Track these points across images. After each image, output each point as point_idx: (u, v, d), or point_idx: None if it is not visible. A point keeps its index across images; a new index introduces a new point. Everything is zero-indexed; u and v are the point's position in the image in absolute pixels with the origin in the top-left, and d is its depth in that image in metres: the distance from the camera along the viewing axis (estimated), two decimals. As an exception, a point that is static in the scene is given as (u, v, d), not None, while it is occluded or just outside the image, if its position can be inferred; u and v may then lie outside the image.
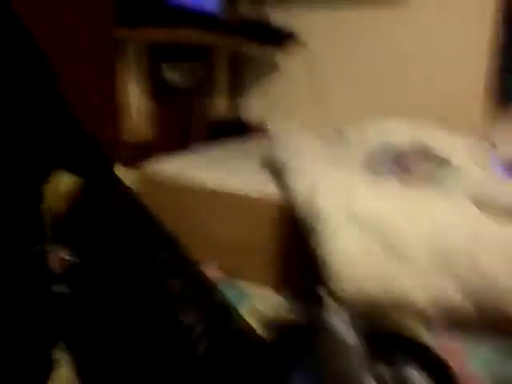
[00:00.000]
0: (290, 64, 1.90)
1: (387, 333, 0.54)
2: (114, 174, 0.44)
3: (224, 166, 1.33)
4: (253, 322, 0.57)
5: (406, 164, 1.09)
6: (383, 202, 0.97)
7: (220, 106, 1.88)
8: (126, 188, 0.45)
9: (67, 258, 0.35)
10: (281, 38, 1.73)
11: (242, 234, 1.19)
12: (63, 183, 0.37)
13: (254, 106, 2.00)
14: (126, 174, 0.48)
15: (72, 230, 0.36)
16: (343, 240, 0.97)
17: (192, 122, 1.70)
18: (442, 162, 1.06)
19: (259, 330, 0.54)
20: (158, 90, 1.52)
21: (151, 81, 1.48)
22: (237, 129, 1.85)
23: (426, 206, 0.94)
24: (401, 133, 1.20)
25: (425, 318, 0.89)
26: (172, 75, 1.52)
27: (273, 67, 1.95)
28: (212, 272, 0.74)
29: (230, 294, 0.65)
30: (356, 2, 1.74)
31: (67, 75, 1.20)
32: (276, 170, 1.20)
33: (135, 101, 1.43)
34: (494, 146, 1.30)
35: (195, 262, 0.48)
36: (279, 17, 1.79)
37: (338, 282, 0.98)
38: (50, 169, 0.37)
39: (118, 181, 0.44)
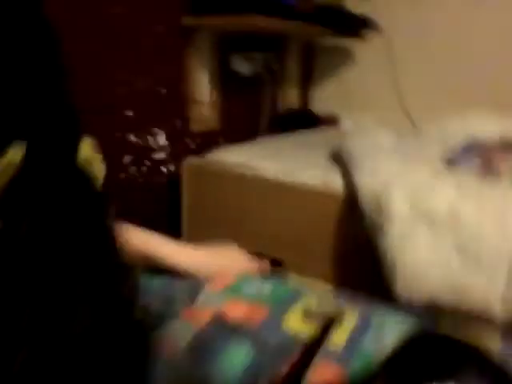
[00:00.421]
0: (366, 53, 1.81)
1: (455, 344, 0.48)
2: (73, 151, 0.40)
3: (289, 157, 1.28)
4: (303, 321, 0.54)
5: (492, 161, 0.98)
6: (463, 204, 0.88)
7: (290, 96, 1.83)
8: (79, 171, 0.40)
9: None
10: (357, 26, 1.64)
11: (303, 227, 1.15)
12: (15, 156, 0.34)
13: (326, 97, 1.93)
14: (94, 153, 0.43)
15: (5, 201, 0.34)
16: (415, 243, 0.89)
17: (260, 113, 1.67)
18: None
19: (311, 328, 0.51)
20: (227, 79, 1.50)
21: (220, 70, 1.47)
22: (307, 120, 1.79)
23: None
24: (488, 127, 1.08)
25: (501, 331, 0.80)
26: (241, 65, 1.50)
27: (348, 56, 1.87)
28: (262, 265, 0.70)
29: (282, 291, 0.61)
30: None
31: (137, 63, 1.23)
32: (344, 164, 1.13)
33: (204, 90, 1.43)
34: None
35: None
36: (356, 3, 1.70)
37: (406, 287, 0.91)
38: (9, 140, 0.34)
39: (68, 159, 0.39)
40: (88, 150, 0.41)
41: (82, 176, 0.40)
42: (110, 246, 0.40)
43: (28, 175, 0.35)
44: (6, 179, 0.34)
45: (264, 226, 1.22)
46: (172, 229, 1.40)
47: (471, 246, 0.86)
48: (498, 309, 0.84)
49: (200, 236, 1.34)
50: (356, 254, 1.07)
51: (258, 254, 1.22)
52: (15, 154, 0.34)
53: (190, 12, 1.28)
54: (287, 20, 1.30)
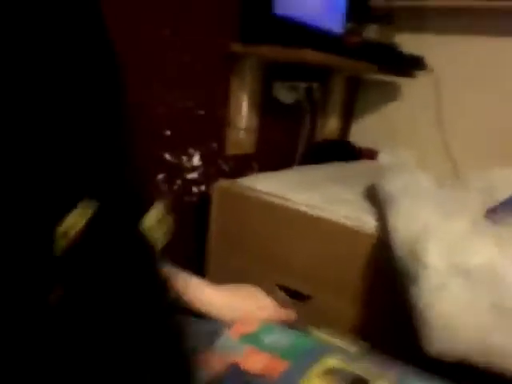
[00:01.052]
0: (412, 89, 1.77)
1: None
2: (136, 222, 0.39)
3: (323, 189, 1.25)
4: (325, 380, 0.50)
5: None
6: (503, 261, 0.83)
7: (330, 127, 1.81)
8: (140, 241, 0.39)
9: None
10: (406, 65, 1.62)
11: (330, 263, 1.12)
12: (77, 219, 0.33)
13: (367, 131, 1.90)
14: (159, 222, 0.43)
15: (65, 268, 0.34)
16: (450, 298, 0.84)
17: (298, 142, 1.66)
18: None
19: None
20: (268, 106, 1.50)
21: (262, 97, 1.46)
22: (345, 152, 1.76)
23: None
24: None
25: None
26: (283, 93, 1.49)
27: (392, 91, 1.83)
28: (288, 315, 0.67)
29: (304, 345, 0.57)
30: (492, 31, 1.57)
31: (180, 84, 1.24)
32: (380, 203, 1.09)
33: (243, 115, 1.42)
34: None
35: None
36: (406, 40, 1.67)
37: (436, 342, 0.86)
38: (70, 205, 0.33)
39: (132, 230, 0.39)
40: (154, 218, 0.40)
41: (142, 245, 0.39)
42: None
43: (89, 241, 0.34)
44: (66, 242, 0.33)
45: (291, 257, 1.19)
46: (197, 248, 1.38)
47: (509, 306, 0.81)
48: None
49: (224, 259, 1.32)
50: (385, 298, 1.02)
51: (281, 287, 1.19)
52: (78, 217, 0.33)
53: (239, 39, 1.29)
54: (334, 54, 1.29)
